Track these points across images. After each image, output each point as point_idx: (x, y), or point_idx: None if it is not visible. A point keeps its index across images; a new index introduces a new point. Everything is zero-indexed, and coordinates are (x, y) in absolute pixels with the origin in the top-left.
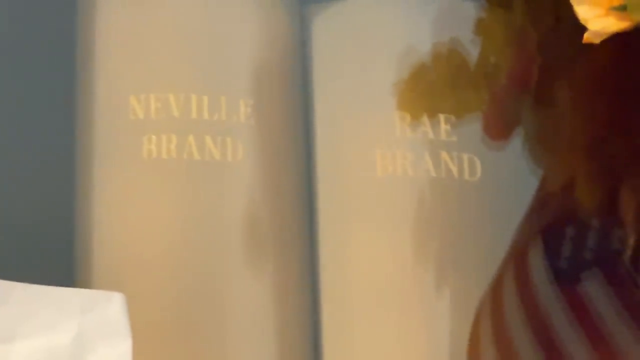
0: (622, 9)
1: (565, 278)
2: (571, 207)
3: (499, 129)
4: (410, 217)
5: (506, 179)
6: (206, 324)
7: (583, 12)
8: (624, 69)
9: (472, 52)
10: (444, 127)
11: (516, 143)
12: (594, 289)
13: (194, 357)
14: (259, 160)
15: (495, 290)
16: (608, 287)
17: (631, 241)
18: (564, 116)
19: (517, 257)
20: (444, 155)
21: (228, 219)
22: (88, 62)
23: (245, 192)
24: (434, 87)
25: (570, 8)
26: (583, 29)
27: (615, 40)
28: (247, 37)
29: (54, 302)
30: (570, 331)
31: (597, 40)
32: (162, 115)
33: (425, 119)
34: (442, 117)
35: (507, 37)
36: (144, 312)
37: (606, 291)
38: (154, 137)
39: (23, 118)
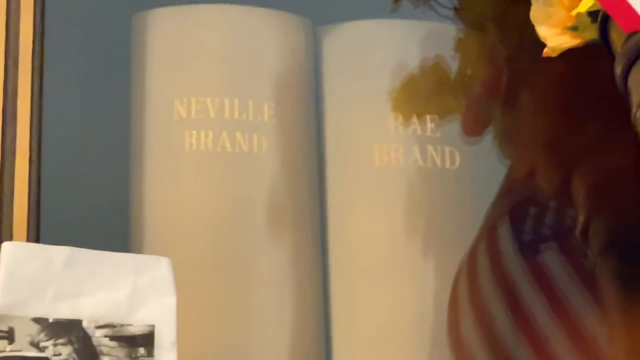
0: (574, 28)
1: (528, 249)
2: (533, 191)
3: (474, 127)
4: (402, 198)
5: (480, 168)
6: (237, 282)
7: (543, 31)
8: (577, 79)
9: (452, 65)
10: (429, 125)
11: (488, 139)
12: (551, 258)
13: (226, 308)
14: (279, 152)
15: (471, 258)
16: (562, 257)
17: (581, 219)
18: (527, 118)
19: (488, 231)
20: (430, 148)
21: (254, 200)
22: (140, 72)
23: (268, 178)
24: (421, 93)
25: (532, 28)
26: (543, 45)
27: (569, 54)
28: (271, 51)
29: (113, 265)
30: (531, 293)
31: (554, 54)
32: (201, 115)
33: (414, 119)
34: (428, 117)
35: (481, 54)
36: (186, 273)
37: (561, 260)
38: (194, 132)
39: (91, 119)
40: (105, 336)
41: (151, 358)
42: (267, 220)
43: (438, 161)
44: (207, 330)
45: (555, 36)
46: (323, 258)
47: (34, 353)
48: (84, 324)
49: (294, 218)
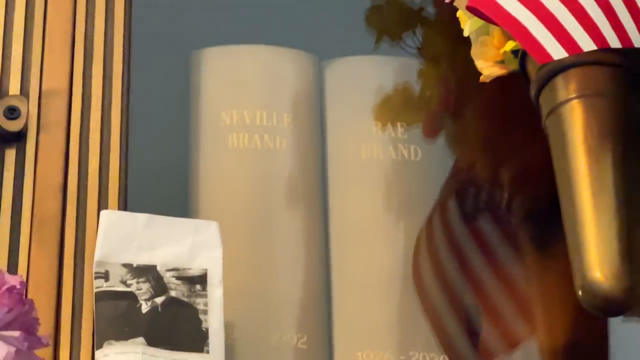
0: (502, 62)
1: (469, 218)
2: (472, 177)
3: (431, 131)
4: (381, 182)
5: (435, 160)
6: (263, 241)
7: (480, 64)
8: (504, 98)
9: (416, 88)
10: (400, 130)
11: (441, 140)
12: (486, 225)
13: (256, 259)
14: (295, 150)
15: (429, 224)
16: (494, 223)
17: (506, 197)
18: (469, 125)
19: (441, 205)
20: (400, 146)
21: (276, 183)
22: (197, 93)
23: (287, 168)
24: (394, 108)
25: (473, 62)
26: (480, 74)
27: (499, 80)
28: (289, 77)
29: (178, 226)
30: (472, 249)
31: (488, 80)
32: (240, 122)
33: (389, 125)
34: (399, 124)
35: (437, 80)
36: (229, 234)
37: (493, 226)
38: (234, 135)
39: (163, 125)
40: (173, 277)
41: (205, 292)
42: (285, 197)
43: (406, 155)
44: (242, 274)
45: (488, 67)
46: (325, 225)
47: (122, 288)
48: (158, 268)
49: (304, 197)
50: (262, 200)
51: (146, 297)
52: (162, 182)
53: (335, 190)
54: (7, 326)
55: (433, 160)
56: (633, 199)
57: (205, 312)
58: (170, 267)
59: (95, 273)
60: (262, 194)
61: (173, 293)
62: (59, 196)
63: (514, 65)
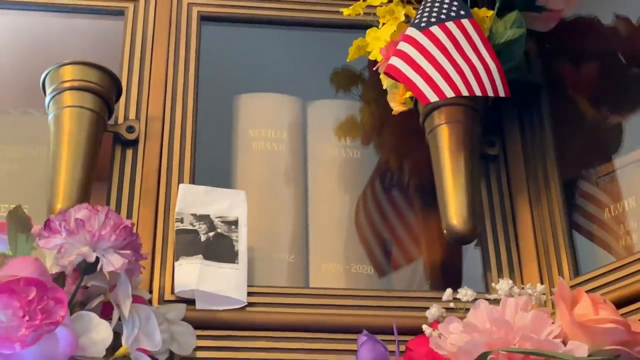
0: (404, 103)
1: (387, 189)
2: (389, 167)
3: (367, 139)
4: (338, 171)
5: (368, 158)
6: (271, 203)
7: (392, 105)
8: (407, 122)
9: (358, 118)
10: (348, 140)
11: (372, 146)
12: (396, 193)
13: (266, 212)
14: (289, 152)
15: (364, 193)
16: (400, 192)
17: (406, 177)
18: (388, 137)
19: (371, 182)
20: (348, 150)
21: (279, 170)
22: (237, 120)
23: (285, 162)
24: (345, 128)
25: (388, 103)
26: (392, 109)
27: (404, 113)
28: (286, 110)
29: (222, 193)
30: (388, 207)
31: (396, 113)
32: (259, 135)
33: (342, 138)
34: (347, 138)
35: (370, 113)
36: (251, 198)
37: (399, 194)
38: (256, 142)
39: (216, 134)
40: (219, 221)
41: (237, 230)
42: (284, 178)
43: (351, 155)
44: (258, 220)
45: (397, 106)
46: (306, 193)
47: (190, 227)
48: (210, 216)
49: (295, 177)
50: (271, 180)
51: (203, 232)
52: (215, 168)
53: (312, 175)
54: (124, 247)
55: (366, 158)
56: (474, 179)
57: (237, 241)
58: (218, 216)
59: (176, 219)
60: (271, 176)
61: (219, 230)
62: (156, 176)
63: (410, 105)
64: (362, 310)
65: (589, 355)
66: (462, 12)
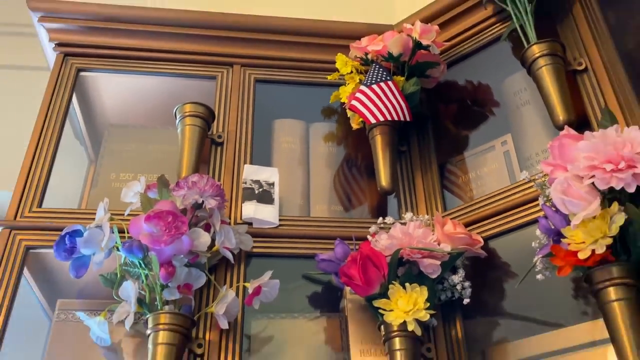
0: (359, 124)
1: (350, 170)
2: (356, 159)
3: (339, 143)
4: (327, 159)
5: (342, 151)
6: (291, 175)
7: (352, 125)
8: (360, 134)
9: (335, 134)
10: (331, 143)
11: (344, 145)
12: (356, 172)
13: (288, 179)
14: (299, 148)
15: (339, 171)
16: (359, 172)
17: (360, 161)
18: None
19: (342, 165)
20: (330, 148)
21: (294, 158)
22: (273, 131)
23: (298, 154)
24: (331, 137)
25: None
26: (355, 129)
27: (359, 130)
28: (297, 129)
29: (266, 169)
30: (353, 179)
31: (354, 129)
32: (285, 140)
33: (329, 142)
34: (330, 142)
35: (342, 128)
36: (281, 171)
37: (358, 171)
38: (283, 144)
39: (264, 141)
40: (265, 183)
41: (274, 188)
42: (296, 162)
43: (332, 150)
44: (284, 183)
45: (355, 125)
46: (308, 172)
47: (250, 187)
48: (261, 181)
49: (301, 160)
50: (290, 163)
51: (256, 188)
52: (262, 157)
53: (311, 162)
54: (216, 195)
55: (340, 152)
56: (393, 161)
57: (273, 193)
58: (264, 180)
59: (243, 182)
60: (290, 161)
61: (264, 187)
62: (232, 161)
63: (361, 125)
64: (336, 228)
65: (450, 251)
66: (388, 78)
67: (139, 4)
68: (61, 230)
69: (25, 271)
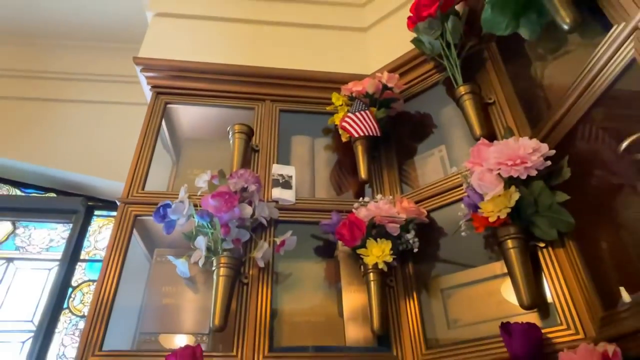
0: (347, 138)
1: (340, 167)
2: (342, 160)
3: (335, 150)
4: (326, 161)
5: (335, 157)
6: (304, 168)
7: (342, 138)
8: (347, 145)
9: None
10: (329, 150)
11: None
12: (344, 168)
13: (301, 173)
14: (309, 150)
15: (334, 169)
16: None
17: (347, 162)
18: (344, 155)
19: (337, 165)
20: (329, 154)
21: (307, 159)
22: (289, 143)
23: (307, 152)
24: (328, 147)
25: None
26: (343, 143)
27: (347, 142)
28: (306, 143)
29: (287, 167)
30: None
31: (343, 141)
32: (299, 147)
33: (327, 150)
34: (329, 150)
35: (335, 141)
36: (297, 168)
37: (345, 170)
38: (299, 152)
39: (286, 152)
40: (286, 176)
41: (292, 179)
42: (305, 163)
43: (329, 156)
44: (299, 176)
45: (344, 138)
46: (313, 170)
47: (275, 178)
48: (283, 174)
49: (310, 164)
50: (302, 164)
51: (281, 179)
52: (283, 158)
53: (316, 163)
54: (254, 183)
55: (335, 157)
56: (369, 164)
57: (292, 182)
58: (285, 174)
59: (272, 175)
60: (302, 162)
61: (286, 179)
62: (265, 162)
63: (348, 138)
64: (332, 205)
65: (405, 218)
66: (366, 108)
67: (205, 60)
68: (157, 204)
69: (135, 232)
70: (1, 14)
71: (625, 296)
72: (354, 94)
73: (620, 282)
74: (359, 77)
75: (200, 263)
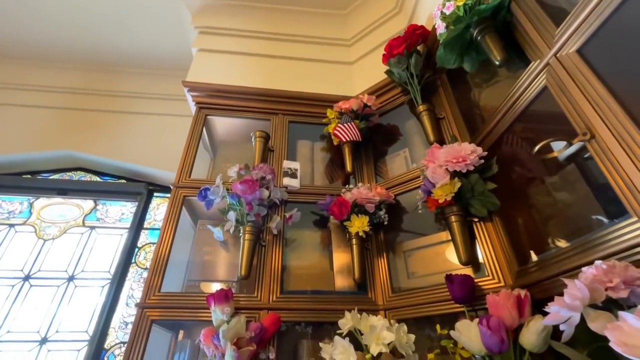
0: (337, 142)
1: (332, 164)
2: (334, 158)
3: (328, 150)
4: (322, 160)
5: (329, 156)
6: (306, 164)
7: (334, 141)
8: (337, 148)
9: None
10: (325, 152)
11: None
12: (335, 164)
13: (303, 167)
14: (311, 151)
15: (328, 165)
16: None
17: (337, 160)
18: (335, 154)
19: (329, 162)
20: (324, 154)
21: (309, 158)
22: (296, 147)
23: (307, 153)
24: (324, 149)
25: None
26: (336, 150)
27: (337, 145)
28: (307, 146)
29: (294, 162)
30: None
31: (335, 144)
32: (303, 149)
33: (323, 151)
34: (324, 151)
35: (328, 144)
36: (301, 165)
37: (336, 165)
38: (302, 153)
39: (292, 150)
40: (293, 168)
41: (297, 171)
42: (307, 159)
43: (325, 156)
44: (302, 169)
45: (335, 142)
46: (313, 166)
47: (285, 170)
48: (291, 167)
49: (311, 162)
50: (305, 161)
51: (289, 172)
52: (291, 156)
53: (315, 162)
54: (271, 174)
55: (328, 156)
56: (354, 161)
57: (297, 173)
58: (292, 167)
59: (283, 167)
60: (305, 160)
61: (293, 171)
62: (278, 160)
63: (337, 142)
64: (327, 190)
65: (379, 200)
66: (351, 121)
67: (236, 84)
68: (199, 188)
69: (183, 208)
70: (78, 46)
71: (534, 257)
72: (343, 110)
73: (530, 247)
74: (347, 98)
75: (231, 230)
